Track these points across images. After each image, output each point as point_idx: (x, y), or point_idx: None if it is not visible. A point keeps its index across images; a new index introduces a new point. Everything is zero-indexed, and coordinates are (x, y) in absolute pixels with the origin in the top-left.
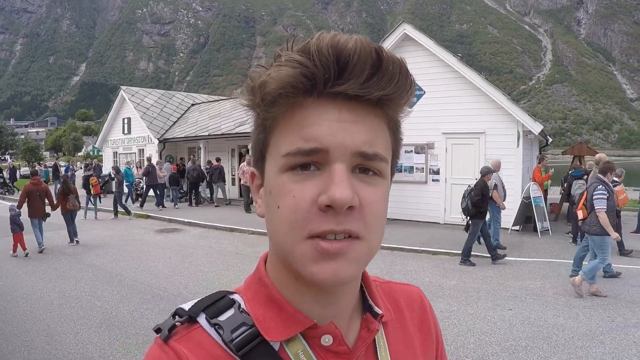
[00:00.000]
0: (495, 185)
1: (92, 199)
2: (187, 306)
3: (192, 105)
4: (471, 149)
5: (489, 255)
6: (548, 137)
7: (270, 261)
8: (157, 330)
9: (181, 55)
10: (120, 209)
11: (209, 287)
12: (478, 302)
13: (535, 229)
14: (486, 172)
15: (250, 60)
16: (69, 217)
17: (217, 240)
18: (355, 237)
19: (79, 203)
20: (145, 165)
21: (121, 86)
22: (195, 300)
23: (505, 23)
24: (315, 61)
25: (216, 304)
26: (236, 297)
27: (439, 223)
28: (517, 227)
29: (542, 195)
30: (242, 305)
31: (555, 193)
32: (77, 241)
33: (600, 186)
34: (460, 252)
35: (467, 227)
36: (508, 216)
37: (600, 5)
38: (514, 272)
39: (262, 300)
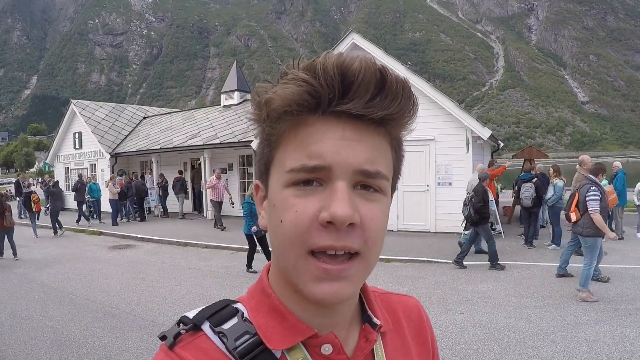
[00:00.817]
0: None
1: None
2: (191, 314)
3: (144, 118)
4: (421, 155)
5: (454, 260)
6: (499, 141)
7: (273, 272)
8: (162, 337)
9: (134, 66)
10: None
11: (161, 303)
12: (430, 307)
13: None
14: (485, 178)
15: (204, 71)
16: (4, 234)
17: (170, 256)
18: (355, 254)
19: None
20: (76, 180)
21: (71, 100)
22: (200, 309)
23: (458, 31)
24: (321, 80)
25: (220, 312)
26: (239, 306)
27: (392, 230)
28: (468, 232)
29: (493, 199)
30: (245, 314)
31: (508, 196)
32: (15, 257)
33: (593, 187)
34: (454, 260)
35: (474, 235)
36: (460, 221)
37: (550, 12)
38: (466, 276)
39: (265, 310)
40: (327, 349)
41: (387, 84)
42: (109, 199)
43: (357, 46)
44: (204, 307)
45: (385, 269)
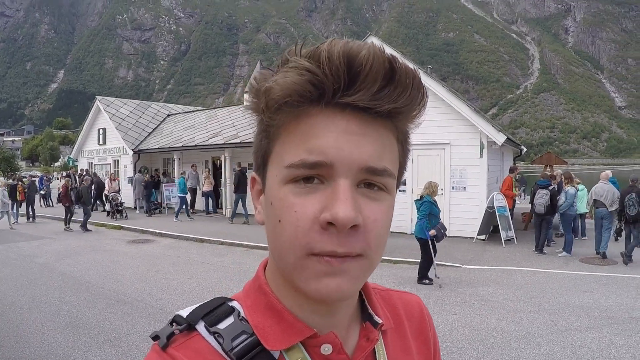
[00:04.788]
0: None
1: (15, 206)
2: (185, 313)
3: (168, 115)
4: (436, 159)
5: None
6: (522, 147)
7: (270, 270)
8: (155, 337)
9: (162, 62)
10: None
11: (171, 294)
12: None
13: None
14: (636, 179)
15: (233, 68)
16: None
17: (186, 251)
18: (358, 255)
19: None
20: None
21: (97, 96)
22: (194, 307)
23: (492, 31)
24: (325, 69)
25: (215, 311)
26: (235, 304)
27: (405, 233)
28: (482, 237)
29: (506, 205)
30: (242, 313)
31: (527, 202)
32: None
33: None
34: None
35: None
36: (473, 225)
37: (588, 14)
38: (470, 279)
39: (262, 309)
40: (326, 349)
41: (397, 74)
42: (203, 191)
43: None
44: (197, 305)
45: (391, 270)
